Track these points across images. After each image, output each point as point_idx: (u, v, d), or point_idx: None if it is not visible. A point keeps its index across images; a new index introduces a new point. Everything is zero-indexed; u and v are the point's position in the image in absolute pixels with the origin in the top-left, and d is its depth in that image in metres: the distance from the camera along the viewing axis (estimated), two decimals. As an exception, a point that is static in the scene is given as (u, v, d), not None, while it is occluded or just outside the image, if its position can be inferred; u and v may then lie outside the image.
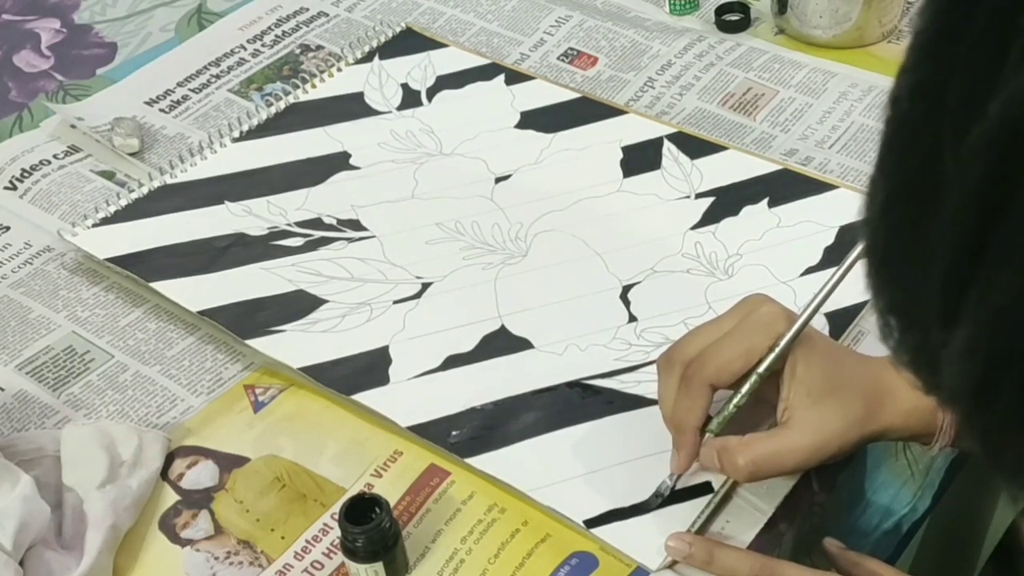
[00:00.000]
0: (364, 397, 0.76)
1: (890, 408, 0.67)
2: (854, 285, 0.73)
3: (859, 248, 0.65)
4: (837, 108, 0.95)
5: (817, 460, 0.66)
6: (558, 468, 0.71)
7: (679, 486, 0.69)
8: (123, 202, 0.90)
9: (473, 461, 0.72)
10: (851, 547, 0.72)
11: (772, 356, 0.66)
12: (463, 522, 0.69)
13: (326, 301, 0.82)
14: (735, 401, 0.67)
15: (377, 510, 0.65)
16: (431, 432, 0.73)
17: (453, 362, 0.78)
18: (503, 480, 0.71)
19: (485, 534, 0.69)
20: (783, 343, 0.66)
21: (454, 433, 0.73)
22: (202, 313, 0.81)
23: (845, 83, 0.97)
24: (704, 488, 0.69)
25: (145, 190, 0.91)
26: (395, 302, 0.82)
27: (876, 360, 0.71)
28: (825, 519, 0.75)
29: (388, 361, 0.78)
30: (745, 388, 0.67)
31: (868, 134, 0.93)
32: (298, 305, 0.82)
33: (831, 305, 0.78)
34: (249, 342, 0.79)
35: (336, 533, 0.67)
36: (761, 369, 0.66)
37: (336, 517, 0.66)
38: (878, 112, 0.95)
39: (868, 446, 0.77)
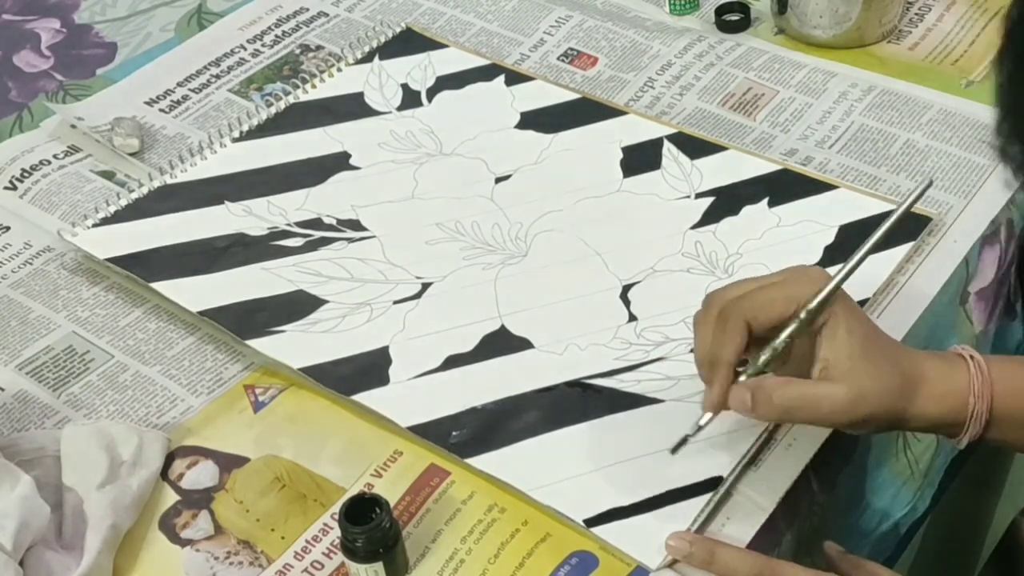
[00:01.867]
0: (364, 397, 0.76)
1: (925, 391, 0.67)
2: (854, 284, 0.73)
3: (914, 196, 0.68)
4: (837, 108, 0.95)
5: (849, 417, 0.65)
6: (558, 468, 0.71)
7: (699, 437, 0.67)
8: (123, 202, 0.90)
9: (473, 461, 0.72)
10: (851, 547, 0.72)
11: (816, 300, 0.65)
12: (463, 522, 0.69)
13: (326, 301, 0.82)
14: (774, 344, 0.66)
15: (377, 510, 0.65)
16: (431, 432, 0.73)
17: (453, 362, 0.78)
18: (503, 480, 0.71)
19: (485, 534, 0.69)
20: (830, 286, 0.65)
21: (454, 433, 0.73)
22: (202, 313, 0.81)
23: (845, 83, 0.97)
24: (704, 487, 0.69)
25: (145, 190, 0.91)
26: (395, 302, 0.82)
27: (912, 349, 0.72)
28: (825, 519, 0.75)
29: (388, 361, 0.78)
30: (785, 333, 0.66)
31: (868, 134, 0.93)
32: (298, 305, 0.82)
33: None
34: (249, 342, 0.79)
35: (336, 533, 0.67)
36: (803, 314, 0.65)
37: (336, 517, 0.66)
38: (878, 112, 0.95)
39: (868, 446, 0.77)
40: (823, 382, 0.65)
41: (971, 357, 0.68)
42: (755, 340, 0.66)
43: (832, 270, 0.67)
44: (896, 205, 0.85)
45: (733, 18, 1.05)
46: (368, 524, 0.64)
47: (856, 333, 0.66)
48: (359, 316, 0.81)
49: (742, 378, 0.66)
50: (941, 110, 0.94)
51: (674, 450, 0.67)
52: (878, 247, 0.68)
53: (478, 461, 0.72)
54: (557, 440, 0.73)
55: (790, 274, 0.67)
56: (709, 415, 0.67)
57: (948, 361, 0.69)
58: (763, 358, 0.66)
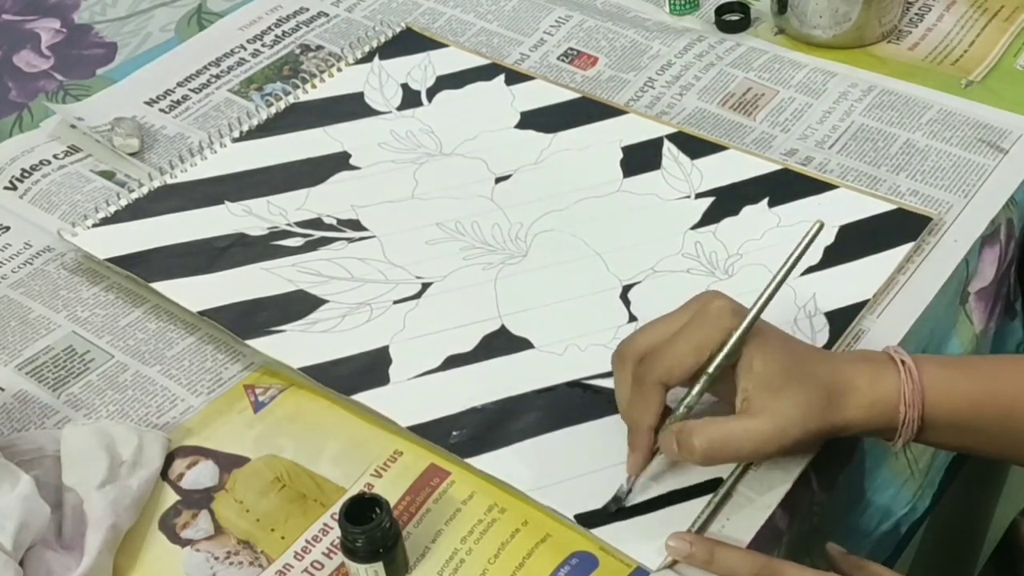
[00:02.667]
0: (364, 397, 0.76)
1: (852, 401, 0.67)
2: (854, 285, 0.73)
3: (805, 241, 0.66)
4: (837, 108, 0.95)
5: (776, 447, 0.66)
6: (558, 468, 0.71)
7: (642, 496, 0.69)
8: (123, 202, 0.90)
9: (473, 461, 0.72)
10: (851, 547, 0.72)
11: (721, 355, 0.65)
12: (463, 522, 0.69)
13: (326, 301, 0.82)
14: (686, 402, 0.67)
15: (377, 510, 0.65)
16: (431, 432, 0.73)
17: (453, 362, 0.78)
18: (503, 480, 0.71)
19: (485, 534, 0.69)
20: (731, 341, 0.65)
21: (454, 433, 0.73)
22: (202, 313, 0.81)
23: (845, 83, 0.97)
24: (704, 487, 0.69)
25: (145, 190, 0.91)
26: (395, 302, 0.82)
27: (837, 355, 0.71)
28: (825, 519, 0.75)
29: (388, 361, 0.78)
30: (696, 388, 0.66)
31: (868, 134, 0.93)
32: (298, 305, 0.82)
33: (831, 304, 0.79)
34: (249, 342, 0.79)
35: (336, 533, 0.67)
36: (711, 369, 0.66)
37: (336, 517, 0.66)
38: (878, 112, 0.95)
39: (868, 446, 0.77)
40: (742, 418, 0.65)
41: (902, 362, 0.67)
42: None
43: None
44: (895, 205, 0.85)
45: (733, 18, 1.05)
46: (368, 524, 0.64)
47: (772, 362, 0.66)
48: (359, 316, 0.81)
49: (668, 421, 0.67)
50: (941, 110, 0.94)
51: (611, 511, 0.68)
52: (777, 288, 0.67)
53: (478, 461, 0.72)
54: (557, 440, 0.73)
55: (694, 317, 0.67)
56: (634, 477, 0.68)
57: (878, 366, 0.68)
58: (677, 414, 0.67)
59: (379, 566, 0.65)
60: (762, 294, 0.66)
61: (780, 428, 0.65)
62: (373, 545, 0.65)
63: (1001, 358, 0.74)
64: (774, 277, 0.67)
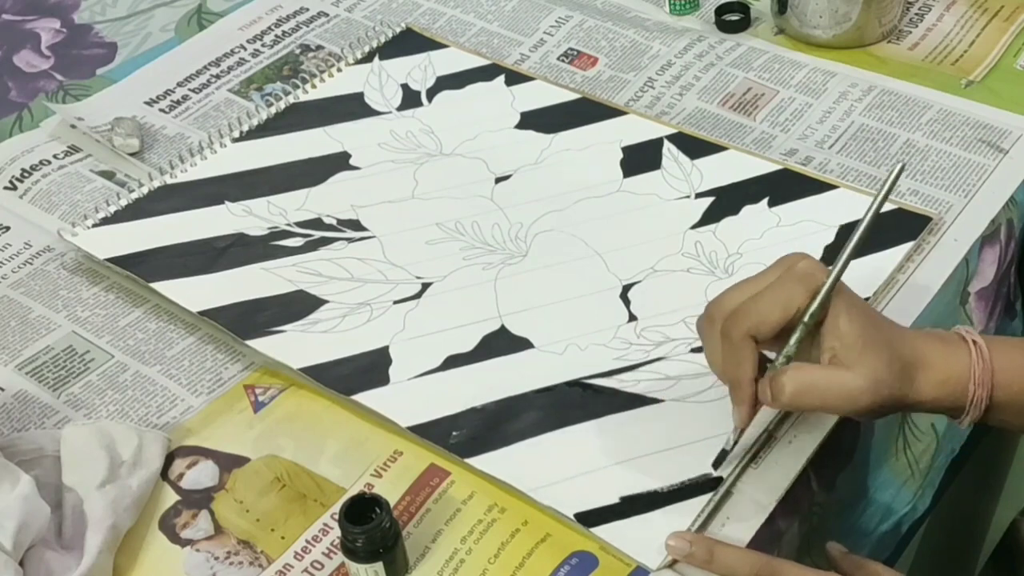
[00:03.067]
0: (364, 397, 0.76)
1: (925, 377, 0.67)
2: (854, 284, 0.73)
3: (890, 181, 0.65)
4: (837, 108, 0.95)
5: (866, 403, 0.66)
6: (558, 468, 0.71)
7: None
8: (123, 202, 0.90)
9: (473, 461, 0.72)
10: (851, 547, 0.72)
11: (815, 304, 0.66)
12: (463, 522, 0.69)
13: (326, 301, 0.82)
14: (784, 352, 0.67)
15: (377, 510, 0.65)
16: (431, 432, 0.73)
17: (453, 362, 0.78)
18: (503, 480, 0.71)
19: (485, 534, 0.69)
20: (824, 289, 0.66)
21: (454, 433, 0.73)
22: (202, 314, 0.81)
23: (845, 83, 0.97)
24: (704, 486, 0.69)
25: (145, 190, 0.91)
26: (395, 302, 0.82)
27: (910, 330, 0.72)
28: (825, 519, 0.75)
29: (388, 361, 0.78)
30: (793, 339, 0.67)
31: (868, 134, 0.93)
32: (298, 305, 0.82)
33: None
34: (249, 342, 0.79)
35: (336, 533, 0.67)
36: (806, 318, 0.66)
37: (336, 517, 0.66)
38: (878, 112, 0.95)
39: (867, 446, 0.77)
40: (831, 368, 0.66)
41: (974, 342, 0.68)
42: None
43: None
44: (896, 205, 0.85)
45: (733, 18, 1.05)
46: (368, 524, 0.64)
47: (856, 323, 0.66)
48: (359, 316, 0.81)
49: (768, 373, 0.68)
50: (941, 110, 0.94)
51: (715, 464, 0.69)
52: (867, 238, 0.67)
53: (478, 461, 0.72)
54: (557, 440, 0.73)
55: (782, 274, 0.67)
56: (739, 431, 0.69)
57: (950, 345, 0.69)
58: (779, 361, 0.67)
59: (379, 566, 0.65)
60: (846, 247, 0.67)
61: (866, 384, 0.65)
62: (373, 545, 0.65)
63: None
64: (854, 233, 0.67)
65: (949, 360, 0.68)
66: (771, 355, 0.68)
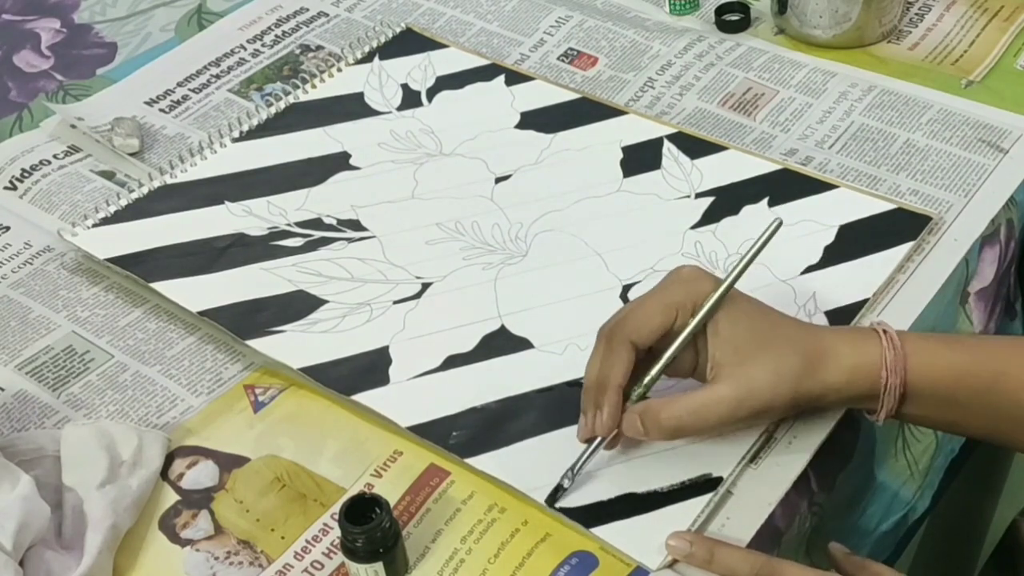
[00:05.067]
0: (364, 397, 0.76)
1: (831, 365, 0.66)
2: (854, 284, 0.73)
3: (775, 222, 0.67)
4: (837, 108, 0.95)
5: (745, 413, 0.66)
6: (558, 468, 0.71)
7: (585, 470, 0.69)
8: (123, 202, 0.90)
9: (473, 461, 0.72)
10: (851, 547, 0.72)
11: (695, 321, 0.66)
12: (463, 522, 0.69)
13: (326, 301, 0.82)
14: (644, 382, 0.67)
15: (377, 510, 0.65)
16: (431, 432, 0.73)
17: (453, 362, 0.78)
18: (503, 480, 0.71)
19: (485, 534, 0.69)
20: (706, 307, 0.66)
21: (454, 433, 0.73)
22: (202, 314, 0.81)
23: (845, 83, 0.97)
24: (704, 486, 0.69)
25: (145, 190, 0.91)
26: (395, 302, 0.82)
27: (818, 325, 0.72)
28: (825, 519, 0.75)
29: (388, 361, 0.78)
30: (666, 355, 0.66)
31: (868, 134, 0.93)
32: (298, 305, 0.82)
33: (830, 304, 0.79)
34: (249, 342, 0.79)
35: (336, 533, 0.67)
36: (681, 339, 0.66)
37: (336, 517, 0.66)
38: (878, 112, 0.95)
39: (868, 447, 0.77)
40: (708, 388, 0.66)
41: (884, 331, 0.68)
42: (649, 356, 0.68)
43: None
44: (897, 205, 0.85)
45: (733, 18, 1.05)
46: (368, 524, 0.64)
47: (740, 327, 0.66)
48: (359, 316, 0.81)
49: (630, 402, 0.68)
50: (941, 110, 0.94)
51: (550, 500, 0.69)
52: (750, 261, 0.69)
53: (478, 461, 0.72)
54: (557, 440, 0.73)
55: (665, 281, 0.68)
56: (599, 439, 0.68)
57: (859, 335, 0.68)
58: (646, 380, 0.67)
59: (379, 566, 0.65)
60: (737, 264, 0.67)
61: (746, 392, 0.65)
62: (373, 545, 0.65)
63: (985, 336, 0.74)
64: (751, 248, 0.68)
65: (859, 349, 0.67)
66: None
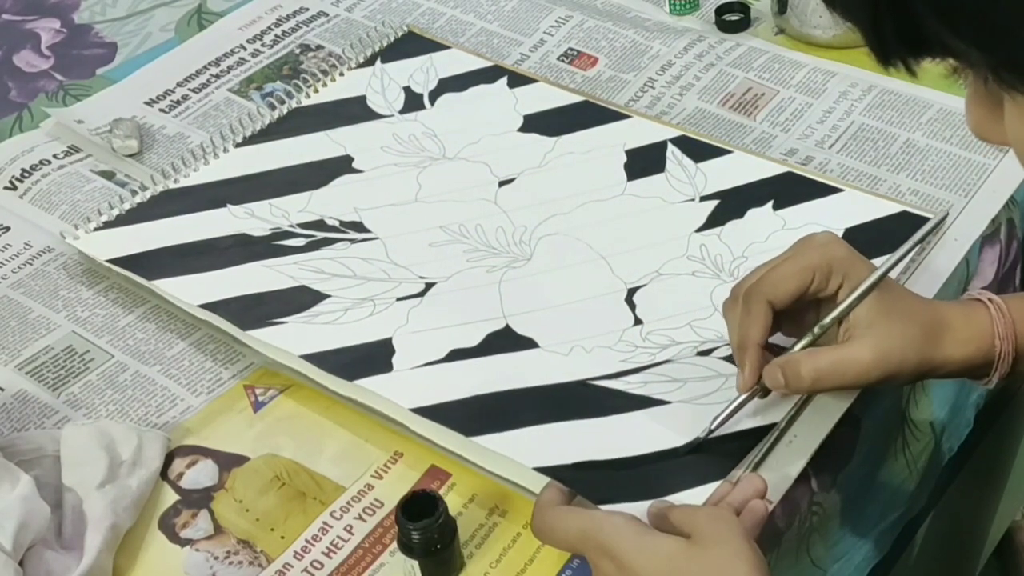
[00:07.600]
0: (367, 383, 0.75)
1: (949, 338, 0.69)
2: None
3: (937, 220, 0.76)
4: (837, 108, 0.95)
5: (877, 374, 0.68)
6: (560, 457, 0.70)
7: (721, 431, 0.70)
8: (126, 206, 0.89)
9: (479, 440, 0.71)
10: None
11: (850, 299, 0.68)
12: (464, 528, 0.68)
13: (328, 296, 0.82)
14: (802, 341, 0.70)
15: (437, 507, 0.65)
16: (435, 414, 0.72)
17: (457, 355, 0.77)
18: (506, 458, 0.70)
19: (486, 539, 0.69)
20: (862, 288, 0.68)
21: (459, 416, 0.73)
22: (202, 307, 0.81)
23: (845, 83, 0.97)
24: (709, 489, 0.69)
25: (148, 195, 0.90)
26: (399, 299, 0.81)
27: (933, 300, 0.74)
28: (825, 519, 0.75)
29: (391, 351, 0.77)
30: (829, 319, 0.69)
31: (868, 134, 0.93)
32: (300, 300, 0.81)
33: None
34: (250, 333, 0.79)
35: (335, 532, 0.67)
36: (827, 320, 0.69)
37: (336, 516, 0.66)
38: (878, 112, 0.95)
39: (867, 446, 0.77)
40: (846, 346, 0.68)
41: (990, 300, 0.71)
42: (786, 316, 0.70)
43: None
44: (902, 208, 0.85)
45: (733, 18, 1.05)
46: (423, 521, 0.64)
47: (871, 297, 0.68)
48: (362, 310, 0.81)
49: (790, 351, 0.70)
50: (941, 110, 0.94)
51: (697, 443, 0.70)
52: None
53: (484, 440, 0.71)
54: (561, 432, 0.72)
55: (799, 245, 0.71)
56: (744, 395, 0.70)
57: (968, 307, 0.71)
58: (799, 346, 0.70)
59: (433, 561, 0.66)
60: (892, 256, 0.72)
61: (881, 354, 0.67)
62: (428, 544, 0.65)
63: None
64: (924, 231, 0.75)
65: (971, 320, 0.70)
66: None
